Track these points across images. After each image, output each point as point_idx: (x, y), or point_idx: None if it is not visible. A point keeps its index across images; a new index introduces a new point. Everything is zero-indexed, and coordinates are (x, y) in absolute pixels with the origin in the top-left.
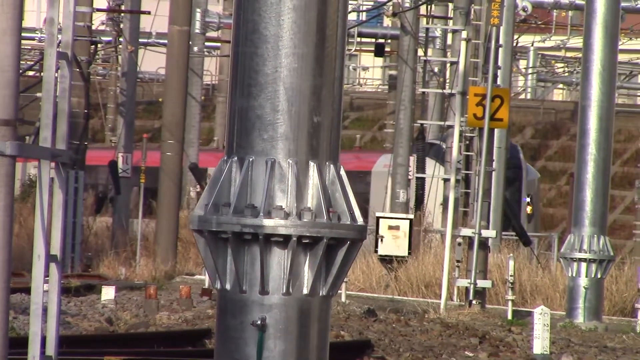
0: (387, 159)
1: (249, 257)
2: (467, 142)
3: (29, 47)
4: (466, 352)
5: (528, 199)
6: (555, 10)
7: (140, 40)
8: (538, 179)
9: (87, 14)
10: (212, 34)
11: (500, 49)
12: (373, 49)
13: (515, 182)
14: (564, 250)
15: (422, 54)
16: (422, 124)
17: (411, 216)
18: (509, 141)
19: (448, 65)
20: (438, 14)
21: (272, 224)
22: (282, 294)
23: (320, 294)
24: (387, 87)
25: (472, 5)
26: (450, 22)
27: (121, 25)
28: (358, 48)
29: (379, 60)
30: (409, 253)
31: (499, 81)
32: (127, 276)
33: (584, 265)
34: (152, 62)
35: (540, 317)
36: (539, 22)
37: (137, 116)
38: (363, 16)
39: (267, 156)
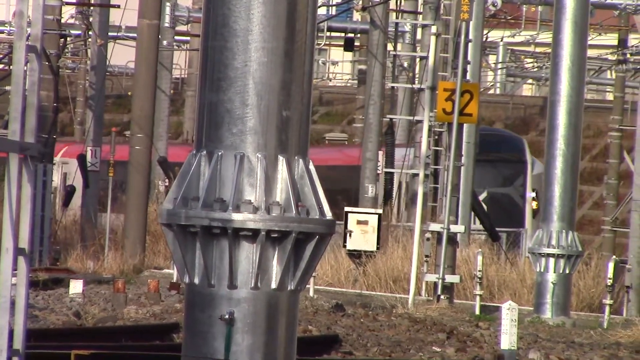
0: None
1: (218, 251)
2: (436, 137)
3: None
4: (434, 347)
5: (534, 194)
6: (524, 6)
7: (109, 33)
8: None
9: (57, 7)
10: (181, 27)
11: (470, 44)
12: (342, 43)
13: (520, 177)
14: (532, 246)
15: (392, 48)
16: (391, 119)
17: (380, 211)
18: (514, 138)
19: (417, 60)
20: (408, 9)
21: (241, 218)
22: (250, 288)
23: (289, 288)
24: (356, 81)
25: (442, 0)
26: (420, 16)
27: (90, 19)
28: (327, 42)
29: (349, 55)
30: (378, 248)
31: (468, 76)
32: (95, 270)
33: (552, 260)
34: (122, 55)
35: (508, 312)
36: (509, 17)
37: (106, 110)
38: (333, 10)
39: (236, 150)
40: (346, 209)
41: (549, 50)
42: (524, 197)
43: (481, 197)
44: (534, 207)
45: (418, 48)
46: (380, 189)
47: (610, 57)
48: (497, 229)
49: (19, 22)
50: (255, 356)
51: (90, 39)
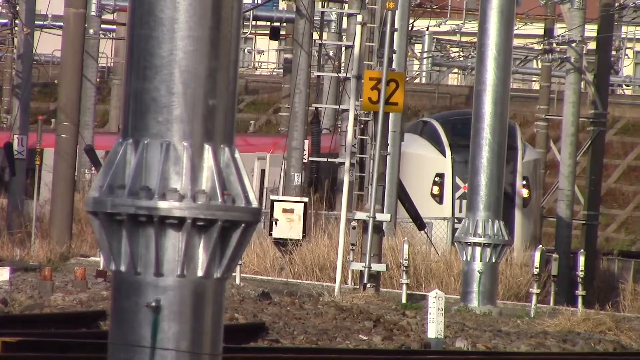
0: None
1: (144, 239)
2: (362, 126)
3: None
4: (360, 336)
5: (524, 182)
6: None
7: (36, 22)
8: (538, 160)
9: None
10: (108, 16)
11: (396, 33)
12: (268, 32)
13: (510, 164)
14: (458, 235)
15: (318, 37)
16: (316, 108)
17: (305, 199)
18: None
19: (343, 49)
20: None
21: (167, 206)
22: (176, 276)
23: (215, 276)
24: (282, 70)
25: None
26: (346, 5)
27: (17, 7)
28: (253, 31)
29: (274, 44)
30: (304, 236)
31: (394, 65)
32: (22, 257)
33: (478, 249)
34: (48, 44)
35: (435, 300)
36: (435, 7)
37: (33, 98)
38: None
39: (162, 139)
40: (272, 197)
41: (475, 40)
42: (513, 185)
43: (468, 184)
44: (525, 195)
45: (344, 37)
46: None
47: (536, 46)
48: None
49: None
50: (182, 344)
51: (16, 28)
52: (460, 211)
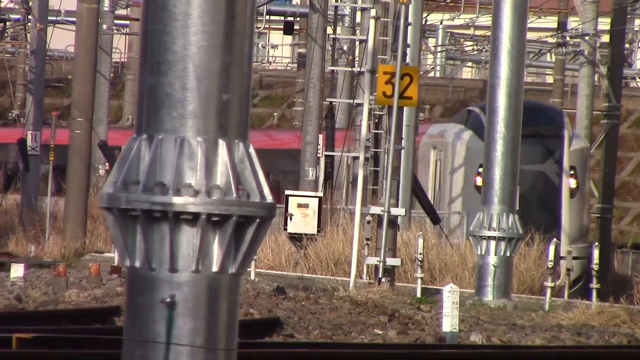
0: (436, 128)
1: (158, 234)
2: (377, 120)
3: None
4: (375, 330)
5: (571, 172)
6: None
7: (49, 18)
8: (586, 148)
9: None
10: (121, 11)
11: (409, 27)
12: (282, 27)
13: (555, 153)
14: (472, 229)
15: (331, 32)
16: (331, 102)
17: (320, 194)
18: (551, 109)
19: (357, 43)
20: None
21: (181, 201)
22: (191, 271)
23: (230, 271)
24: (296, 65)
25: None
26: (360, 0)
27: (30, 3)
28: (267, 26)
29: (288, 38)
30: (319, 231)
31: (408, 59)
32: (37, 254)
33: (493, 243)
34: (61, 40)
35: (449, 295)
36: (448, 0)
37: (46, 94)
38: None
39: (176, 134)
40: (286, 192)
41: (489, 33)
42: (560, 175)
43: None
44: (573, 186)
45: (357, 31)
46: (321, 172)
47: (549, 39)
48: (527, 211)
49: None
50: (197, 339)
51: (29, 23)
52: None
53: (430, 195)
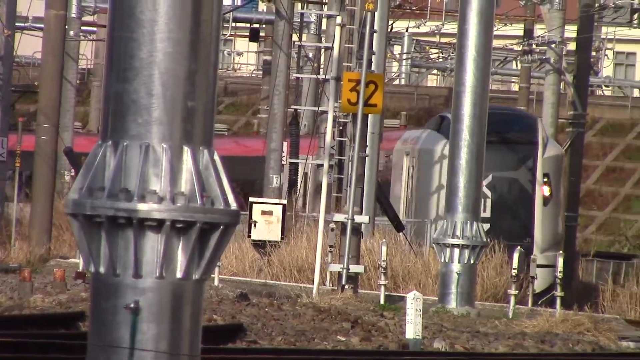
0: (409, 135)
1: (123, 241)
2: (341, 127)
3: None
4: (338, 337)
5: (545, 179)
6: None
7: (16, 24)
8: (562, 155)
9: None
10: (88, 18)
11: (375, 34)
12: (248, 34)
13: (529, 161)
14: (436, 236)
15: (297, 39)
16: (295, 110)
17: (284, 201)
18: (525, 116)
19: (322, 50)
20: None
21: (146, 208)
22: (155, 277)
23: (194, 277)
24: (261, 72)
25: None
26: (325, 7)
27: None
28: (233, 33)
29: (254, 46)
30: (282, 238)
31: (373, 67)
32: (2, 259)
33: (456, 251)
34: (29, 46)
35: (413, 302)
36: (414, 8)
37: (17, 100)
38: (238, 1)
39: (141, 140)
40: (250, 199)
41: (454, 41)
42: (533, 182)
43: (485, 182)
44: (546, 193)
45: (323, 38)
46: (285, 180)
47: (516, 47)
48: (499, 218)
49: None
50: (161, 345)
51: None
52: None
53: (403, 202)
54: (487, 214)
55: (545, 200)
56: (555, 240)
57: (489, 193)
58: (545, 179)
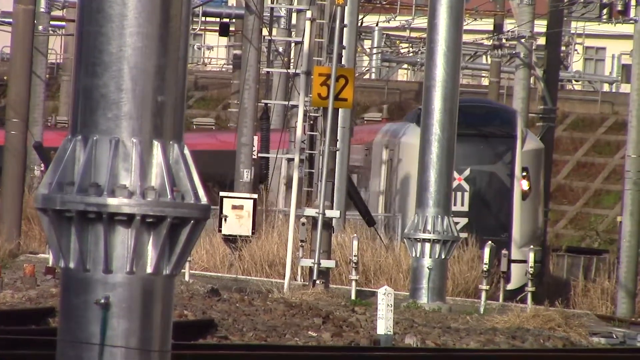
0: (388, 127)
1: (93, 235)
2: (312, 122)
3: None
4: (310, 332)
5: (524, 173)
6: None
7: None
8: (541, 149)
9: None
10: (57, 12)
11: (345, 29)
12: (218, 28)
13: (507, 155)
14: (407, 231)
15: (267, 33)
16: (266, 104)
17: (255, 196)
18: (503, 109)
19: (293, 45)
20: None
21: (116, 202)
22: (125, 272)
23: (164, 273)
24: (231, 66)
25: None
26: (295, 1)
27: None
28: (203, 27)
29: (224, 40)
30: (253, 233)
31: (343, 61)
32: None
33: (427, 245)
34: None
35: (384, 297)
36: (384, 2)
37: None
38: None
39: (111, 135)
40: (221, 193)
41: (425, 36)
42: (512, 176)
43: (463, 175)
44: (525, 187)
45: (293, 33)
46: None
47: (486, 42)
48: (477, 213)
49: None
50: (131, 341)
51: None
52: (455, 204)
53: (382, 195)
54: (465, 208)
55: (524, 195)
56: (534, 235)
57: (467, 187)
58: (524, 173)
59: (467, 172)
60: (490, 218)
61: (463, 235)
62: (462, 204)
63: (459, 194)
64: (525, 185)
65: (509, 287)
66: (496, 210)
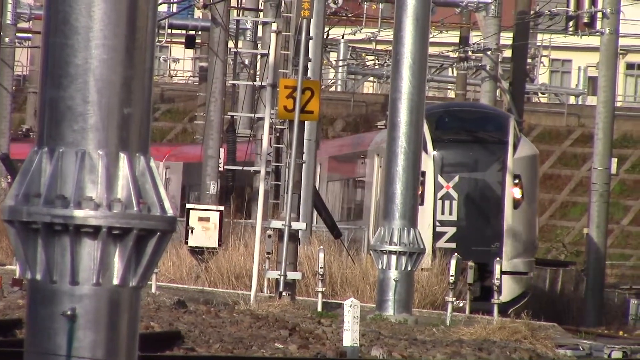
0: (381, 135)
1: (60, 247)
2: (278, 134)
3: None
4: (276, 344)
5: (516, 181)
6: (366, 3)
7: None
8: (536, 155)
9: None
10: (23, 24)
11: (311, 41)
12: (184, 40)
13: (498, 161)
14: (374, 243)
15: (233, 46)
16: (232, 116)
17: (221, 208)
18: (496, 114)
19: (258, 57)
20: (249, 6)
21: (83, 214)
22: (92, 284)
23: (131, 284)
24: (197, 79)
25: None
26: (261, 14)
27: None
28: (169, 39)
29: (190, 52)
30: (220, 244)
31: (309, 73)
32: None
33: (394, 257)
34: None
35: (350, 309)
36: (350, 15)
37: None
38: (174, 8)
39: (77, 147)
40: (187, 205)
41: (390, 48)
42: (502, 184)
43: (452, 183)
44: (517, 196)
45: (259, 45)
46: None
47: (452, 54)
48: (467, 222)
49: None
50: (98, 352)
51: None
52: (442, 213)
53: (374, 203)
54: (454, 217)
55: (516, 203)
56: (526, 246)
57: (455, 195)
58: (517, 181)
59: (455, 180)
60: (480, 228)
61: (451, 245)
62: (451, 213)
63: (447, 202)
64: (517, 193)
65: (501, 299)
66: (486, 219)
